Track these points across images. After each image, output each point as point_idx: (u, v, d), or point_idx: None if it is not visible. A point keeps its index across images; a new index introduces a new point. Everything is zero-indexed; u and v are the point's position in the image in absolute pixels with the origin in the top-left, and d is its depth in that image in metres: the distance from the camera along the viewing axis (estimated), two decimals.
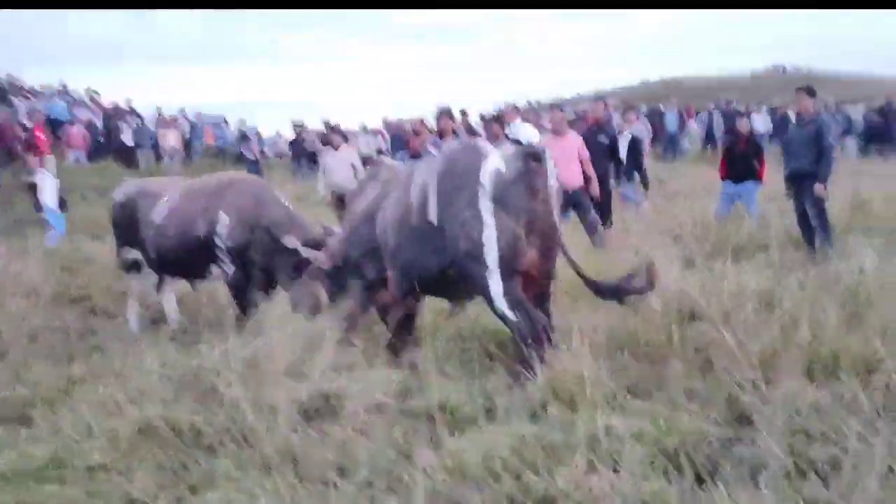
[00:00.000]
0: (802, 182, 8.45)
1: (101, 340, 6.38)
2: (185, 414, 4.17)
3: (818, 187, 8.20)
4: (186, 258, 6.69)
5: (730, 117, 22.84)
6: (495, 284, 4.49)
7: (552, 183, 4.58)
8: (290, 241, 6.12)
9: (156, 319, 7.63)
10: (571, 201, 8.83)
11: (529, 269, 4.61)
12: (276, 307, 6.05)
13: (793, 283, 5.68)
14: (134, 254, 7.26)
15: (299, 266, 6.14)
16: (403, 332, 5.38)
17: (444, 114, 9.40)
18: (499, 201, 4.46)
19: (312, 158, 22.39)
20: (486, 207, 4.47)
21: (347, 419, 4.16)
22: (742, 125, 10.69)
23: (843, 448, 3.31)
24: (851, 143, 21.22)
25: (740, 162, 10.15)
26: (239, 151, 24.01)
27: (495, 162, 4.55)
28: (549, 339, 4.52)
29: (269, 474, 3.62)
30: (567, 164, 8.57)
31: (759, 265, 7.05)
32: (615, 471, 3.35)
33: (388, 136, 23.95)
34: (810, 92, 8.62)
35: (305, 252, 6.02)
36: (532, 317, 4.50)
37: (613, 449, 3.51)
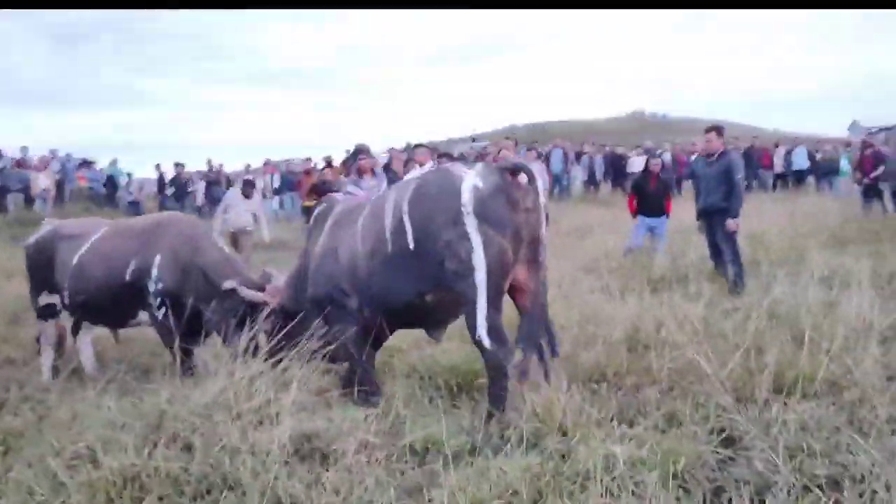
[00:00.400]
0: (714, 217, 8.87)
1: (24, 391, 5.84)
2: (163, 462, 3.89)
3: (730, 222, 8.66)
4: (112, 302, 6.27)
5: (609, 159, 24.02)
6: (481, 307, 4.44)
7: (541, 195, 4.62)
8: (230, 284, 5.85)
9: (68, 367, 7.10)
10: None
11: (520, 281, 4.62)
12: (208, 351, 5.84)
13: (732, 312, 5.99)
14: (51, 298, 6.76)
15: (234, 309, 5.89)
16: (370, 366, 5.26)
17: (363, 151, 9.33)
18: (480, 216, 4.43)
19: (179, 198, 22.03)
20: (471, 224, 4.42)
21: (336, 461, 4.02)
22: (653, 165, 11.26)
23: (843, 464, 3.49)
24: None
25: (653, 198, 10.70)
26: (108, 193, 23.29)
27: (472, 179, 4.53)
28: (553, 350, 4.61)
29: None
30: None
31: (685, 295, 7.36)
32: (633, 494, 3.39)
33: (274, 177, 23.71)
34: (718, 132, 9.09)
35: (247, 294, 5.79)
36: (507, 349, 4.48)
37: (625, 475, 3.54)
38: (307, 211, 11.57)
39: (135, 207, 22.40)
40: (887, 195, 14.97)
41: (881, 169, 15.06)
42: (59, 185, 22.55)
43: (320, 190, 16.56)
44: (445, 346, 5.96)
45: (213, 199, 22.46)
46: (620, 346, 5.31)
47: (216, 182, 23.33)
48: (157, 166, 23.84)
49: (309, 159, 22.64)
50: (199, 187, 22.80)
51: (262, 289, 5.86)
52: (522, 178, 4.54)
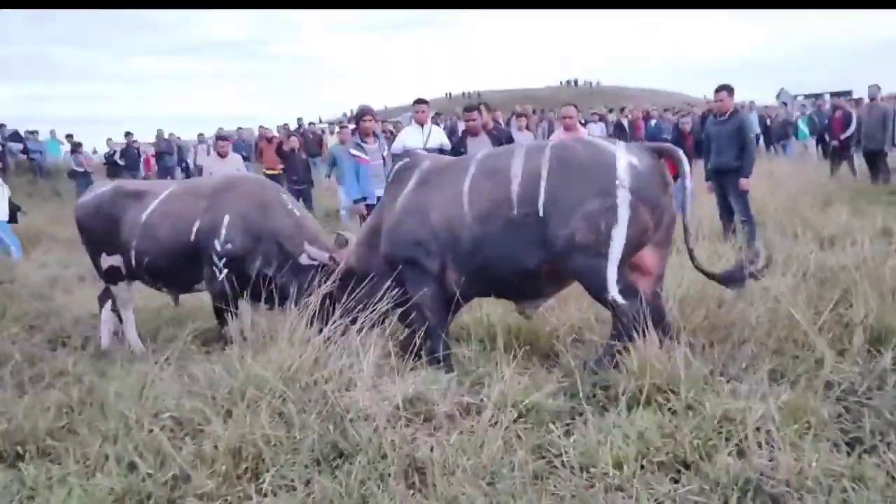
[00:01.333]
0: (726, 176, 8.89)
1: (61, 367, 5.44)
2: (270, 431, 3.67)
3: (743, 181, 8.68)
4: (177, 265, 5.99)
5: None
6: (612, 272, 4.36)
7: (689, 182, 4.58)
8: (315, 253, 5.63)
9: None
10: None
11: (647, 264, 4.57)
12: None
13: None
14: (112, 260, 6.38)
15: (304, 273, 5.67)
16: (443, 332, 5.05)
17: (367, 113, 8.96)
18: (635, 192, 4.34)
19: (131, 168, 21.22)
20: (623, 198, 4.33)
21: (442, 423, 3.85)
22: (684, 124, 11.24)
23: None
24: None
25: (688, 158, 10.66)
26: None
27: (626, 155, 4.45)
28: (666, 332, 4.46)
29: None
30: None
31: (715, 253, 7.32)
32: (777, 448, 3.32)
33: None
34: (730, 91, 9.02)
35: (312, 252, 5.62)
36: (641, 306, 4.37)
37: (765, 428, 3.47)
38: (269, 178, 10.84)
39: (85, 178, 21.54)
40: (857, 158, 15.28)
41: (851, 129, 15.32)
42: (2, 157, 21.62)
43: (286, 157, 16.29)
44: (489, 308, 5.83)
45: (164, 170, 21.81)
46: (690, 302, 5.22)
47: (167, 152, 22.64)
48: (109, 140, 22.95)
49: (262, 127, 21.98)
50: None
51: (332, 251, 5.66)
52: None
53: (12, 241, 11.92)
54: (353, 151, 8.64)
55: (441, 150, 8.20)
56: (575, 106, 9.04)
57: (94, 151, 23.41)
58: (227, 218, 5.88)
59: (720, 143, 8.88)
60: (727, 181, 8.88)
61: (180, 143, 23.97)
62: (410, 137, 8.89)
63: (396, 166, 5.38)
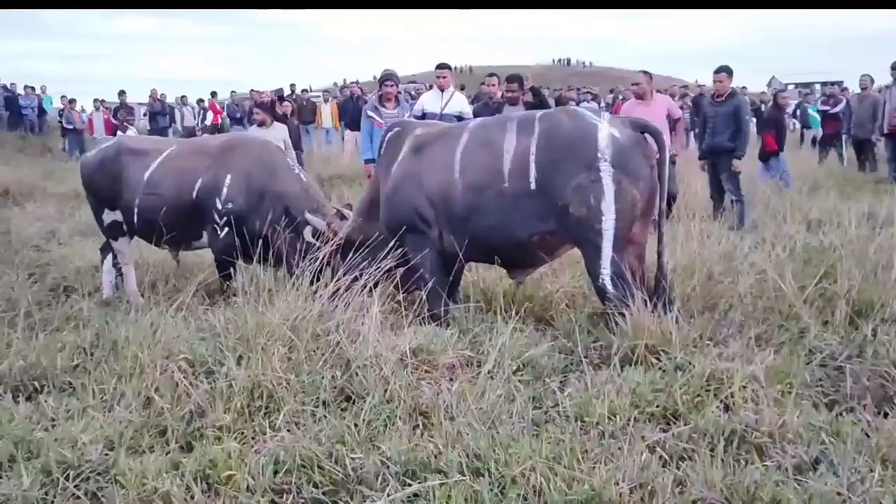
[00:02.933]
0: (720, 156, 9.10)
1: (69, 312, 5.57)
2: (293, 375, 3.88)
3: (736, 162, 8.90)
4: (177, 221, 6.06)
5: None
6: (606, 254, 4.52)
7: (666, 152, 4.70)
8: (316, 222, 5.76)
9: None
10: None
11: (633, 234, 4.69)
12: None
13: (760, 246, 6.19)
14: (114, 216, 6.47)
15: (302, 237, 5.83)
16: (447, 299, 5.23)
17: (390, 78, 8.92)
18: (617, 165, 4.49)
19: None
20: (606, 171, 4.48)
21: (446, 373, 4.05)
22: (782, 99, 12.01)
23: None
24: None
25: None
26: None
27: (608, 128, 4.58)
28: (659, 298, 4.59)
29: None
30: None
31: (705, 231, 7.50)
32: (761, 405, 3.53)
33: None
34: (728, 72, 9.20)
35: (313, 221, 5.75)
36: (629, 293, 4.49)
37: (751, 387, 3.68)
38: None
39: (77, 136, 21.51)
40: (846, 145, 15.49)
41: (839, 107, 15.52)
42: None
43: (279, 121, 16.26)
44: (485, 273, 6.02)
45: (157, 131, 21.73)
46: (681, 273, 5.43)
47: (161, 112, 22.60)
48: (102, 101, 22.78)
49: (255, 91, 21.91)
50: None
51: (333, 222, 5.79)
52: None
53: None
54: (370, 113, 8.73)
55: (459, 118, 8.23)
56: (645, 71, 9.08)
57: (83, 109, 23.18)
58: (229, 177, 5.99)
59: (716, 123, 9.07)
60: (721, 161, 9.09)
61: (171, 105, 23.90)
62: (430, 102, 8.90)
63: (387, 136, 5.52)
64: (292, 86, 24.08)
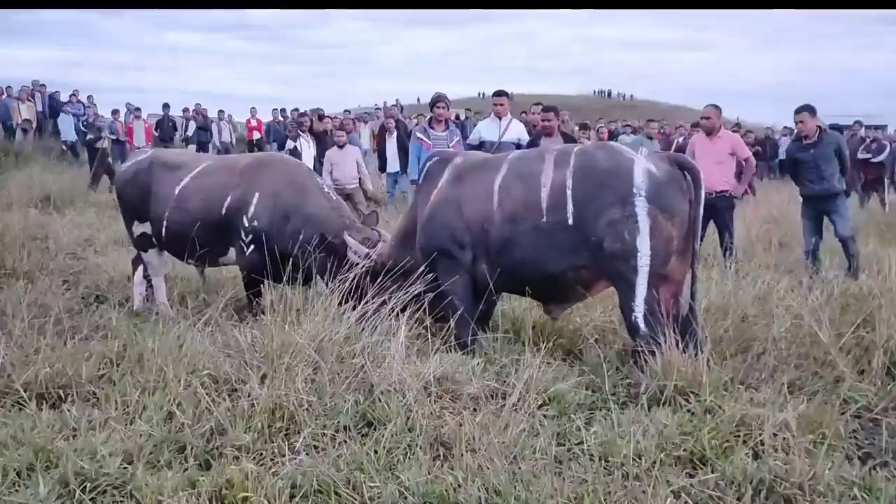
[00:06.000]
0: (827, 201, 8.27)
1: (98, 321, 5.61)
2: (313, 396, 3.86)
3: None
4: (205, 237, 6.08)
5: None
6: (641, 291, 4.46)
7: (702, 189, 4.60)
8: (354, 245, 5.68)
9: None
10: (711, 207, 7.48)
11: (671, 272, 4.61)
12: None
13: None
14: (143, 227, 6.55)
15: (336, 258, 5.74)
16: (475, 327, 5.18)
17: (441, 100, 8.86)
18: (653, 200, 4.45)
19: (165, 141, 21.36)
20: (641, 207, 4.44)
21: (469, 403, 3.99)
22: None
23: None
24: None
25: None
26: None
27: (644, 163, 4.55)
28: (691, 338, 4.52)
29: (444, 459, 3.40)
30: (714, 165, 8.08)
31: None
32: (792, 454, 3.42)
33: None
34: (811, 111, 8.27)
35: (352, 244, 5.65)
36: (661, 332, 4.40)
37: (782, 435, 3.58)
38: None
39: (120, 147, 21.78)
40: (889, 190, 15.19)
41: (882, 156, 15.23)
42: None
43: (318, 138, 16.43)
44: (517, 303, 5.96)
45: (202, 146, 21.97)
46: (714, 313, 5.33)
47: (203, 128, 22.88)
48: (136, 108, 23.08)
49: (297, 110, 22.09)
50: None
51: (370, 241, 5.77)
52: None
53: None
54: (419, 135, 8.76)
55: (518, 145, 8.13)
56: (715, 106, 8.71)
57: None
58: (257, 195, 6.00)
59: (817, 167, 8.26)
60: (830, 205, 8.34)
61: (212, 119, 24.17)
62: (487, 130, 8.77)
63: (427, 166, 5.51)
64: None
